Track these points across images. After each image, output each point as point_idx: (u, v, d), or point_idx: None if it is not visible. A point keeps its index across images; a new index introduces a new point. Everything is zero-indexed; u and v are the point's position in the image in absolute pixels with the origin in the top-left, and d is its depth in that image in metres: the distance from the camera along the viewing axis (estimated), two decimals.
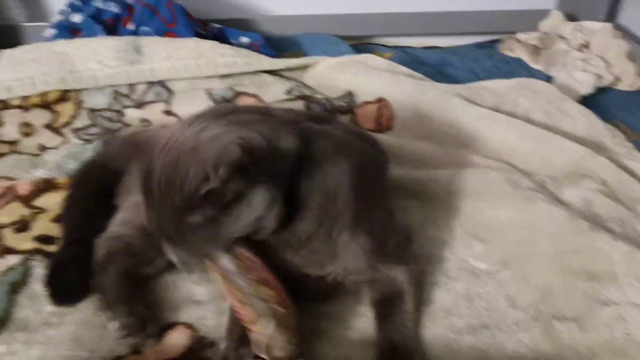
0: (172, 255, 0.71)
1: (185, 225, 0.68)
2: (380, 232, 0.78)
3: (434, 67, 1.55)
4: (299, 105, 1.24)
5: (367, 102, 1.25)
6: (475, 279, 0.86)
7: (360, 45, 1.66)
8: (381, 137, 1.18)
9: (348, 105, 1.26)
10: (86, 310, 0.82)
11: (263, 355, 0.70)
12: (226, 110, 0.81)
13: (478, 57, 1.58)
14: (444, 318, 0.80)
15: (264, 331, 0.69)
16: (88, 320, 0.81)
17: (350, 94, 1.27)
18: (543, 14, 1.67)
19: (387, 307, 0.79)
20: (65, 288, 0.85)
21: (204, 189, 0.65)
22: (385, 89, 1.24)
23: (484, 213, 0.96)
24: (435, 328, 0.79)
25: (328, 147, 0.75)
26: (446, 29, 1.73)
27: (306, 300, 0.78)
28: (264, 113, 0.80)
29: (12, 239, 0.95)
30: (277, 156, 0.69)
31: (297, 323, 0.73)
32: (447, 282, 0.86)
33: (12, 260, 0.90)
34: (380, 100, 1.24)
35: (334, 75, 1.32)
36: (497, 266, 0.88)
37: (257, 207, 0.68)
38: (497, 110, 1.19)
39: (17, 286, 0.85)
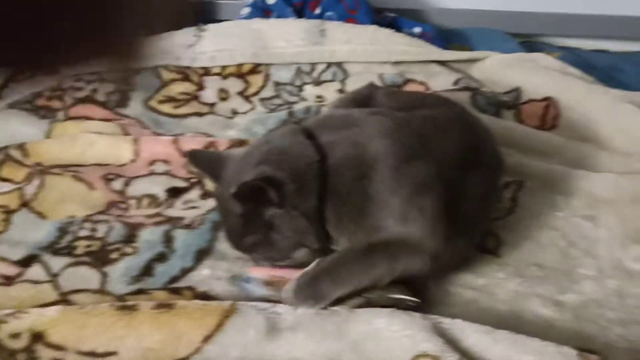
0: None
1: (246, 247, 0.87)
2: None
3: (603, 71, 1.54)
4: (464, 96, 1.31)
5: (533, 100, 1.29)
6: (629, 278, 0.90)
7: (528, 43, 1.68)
8: (545, 135, 1.23)
9: (513, 101, 1.31)
10: None
11: None
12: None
13: None
14: (595, 308, 0.85)
15: None
16: None
17: (517, 90, 1.32)
18: None
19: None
20: None
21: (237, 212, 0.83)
22: (554, 88, 1.28)
23: None
24: (587, 315, 0.84)
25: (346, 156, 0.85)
26: (620, 33, 1.70)
27: None
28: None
29: (210, 185, 1.13)
30: (302, 189, 0.82)
31: None
32: (600, 277, 0.91)
33: (213, 202, 1.08)
34: (547, 99, 1.28)
35: (502, 71, 1.38)
36: None
37: (287, 234, 0.83)
38: None
39: (218, 224, 1.02)
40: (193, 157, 1.01)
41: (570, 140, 1.19)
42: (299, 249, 0.86)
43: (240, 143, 1.21)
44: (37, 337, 0.77)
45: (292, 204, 0.82)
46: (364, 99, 1.04)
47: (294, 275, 0.86)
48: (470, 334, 0.75)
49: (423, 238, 0.81)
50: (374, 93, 1.08)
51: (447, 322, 0.77)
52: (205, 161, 0.98)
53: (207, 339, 0.78)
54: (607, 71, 1.55)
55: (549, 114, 1.26)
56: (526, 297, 0.87)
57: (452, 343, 0.74)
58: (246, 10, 1.61)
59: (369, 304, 0.82)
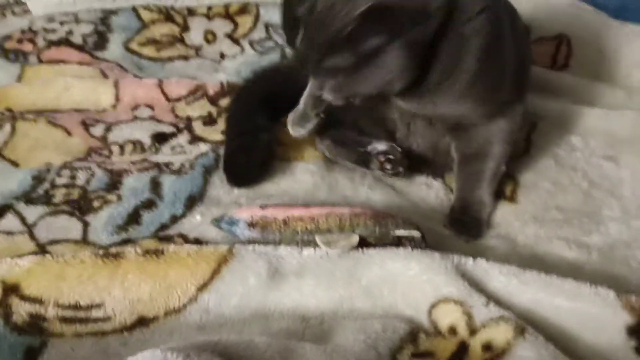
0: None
1: (323, 66, 0.70)
2: (494, 86, 0.79)
3: (610, 12, 1.46)
4: None
5: (544, 37, 1.21)
6: None
7: None
8: (556, 74, 1.15)
9: None
10: None
11: None
12: None
13: None
14: (623, 249, 0.79)
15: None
16: None
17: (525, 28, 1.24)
18: None
19: (469, 164, 0.86)
20: (239, 173, 0.93)
21: (346, 30, 0.66)
22: (565, 25, 1.20)
23: None
24: (615, 256, 0.78)
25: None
26: None
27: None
28: None
29: (201, 130, 1.04)
30: (423, 25, 0.69)
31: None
32: (626, 218, 0.85)
33: (203, 147, 0.99)
34: (559, 37, 1.19)
35: None
36: None
37: (389, 69, 0.69)
38: None
39: (210, 169, 0.94)
40: None
41: (583, 79, 1.12)
42: (379, 90, 0.73)
43: (233, 87, 1.11)
44: (11, 289, 0.69)
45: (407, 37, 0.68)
46: None
47: (280, 215, 0.80)
48: (496, 276, 0.68)
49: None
50: None
51: (469, 263, 0.70)
52: None
53: (202, 287, 0.70)
54: (614, 12, 1.47)
55: (560, 53, 1.18)
56: (549, 240, 0.81)
57: (476, 286, 0.67)
58: None
59: (368, 243, 0.75)
